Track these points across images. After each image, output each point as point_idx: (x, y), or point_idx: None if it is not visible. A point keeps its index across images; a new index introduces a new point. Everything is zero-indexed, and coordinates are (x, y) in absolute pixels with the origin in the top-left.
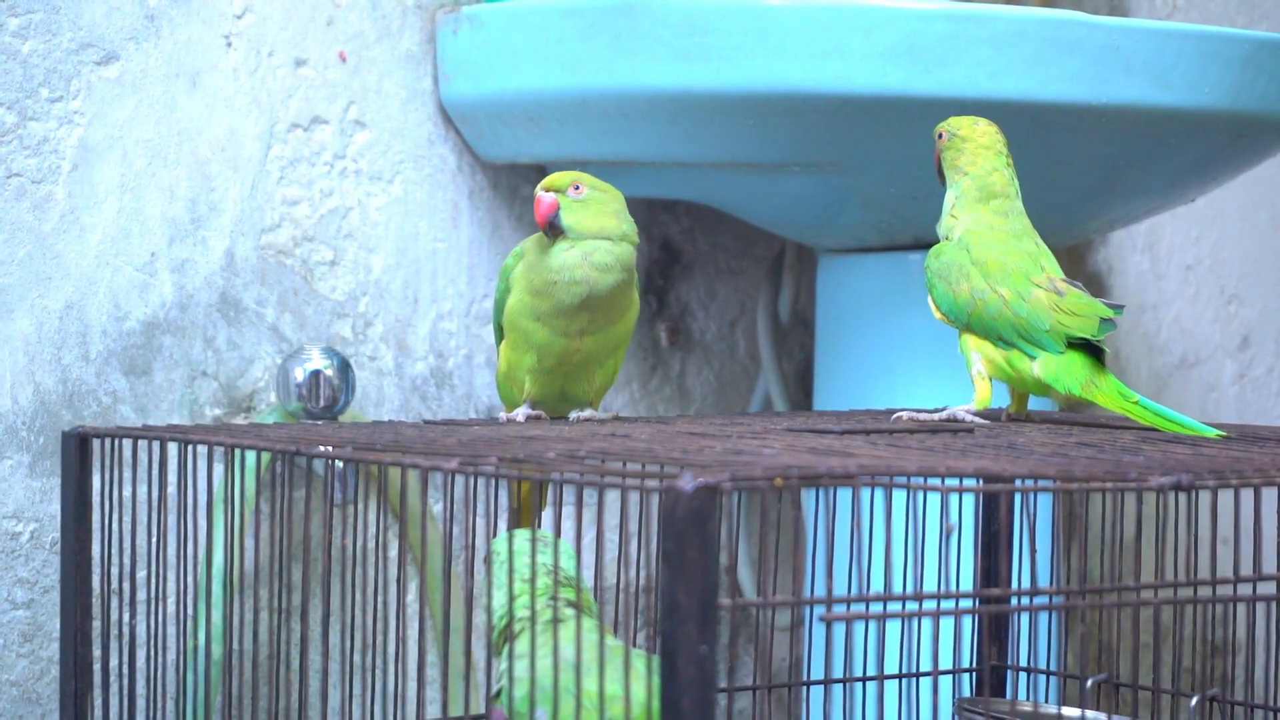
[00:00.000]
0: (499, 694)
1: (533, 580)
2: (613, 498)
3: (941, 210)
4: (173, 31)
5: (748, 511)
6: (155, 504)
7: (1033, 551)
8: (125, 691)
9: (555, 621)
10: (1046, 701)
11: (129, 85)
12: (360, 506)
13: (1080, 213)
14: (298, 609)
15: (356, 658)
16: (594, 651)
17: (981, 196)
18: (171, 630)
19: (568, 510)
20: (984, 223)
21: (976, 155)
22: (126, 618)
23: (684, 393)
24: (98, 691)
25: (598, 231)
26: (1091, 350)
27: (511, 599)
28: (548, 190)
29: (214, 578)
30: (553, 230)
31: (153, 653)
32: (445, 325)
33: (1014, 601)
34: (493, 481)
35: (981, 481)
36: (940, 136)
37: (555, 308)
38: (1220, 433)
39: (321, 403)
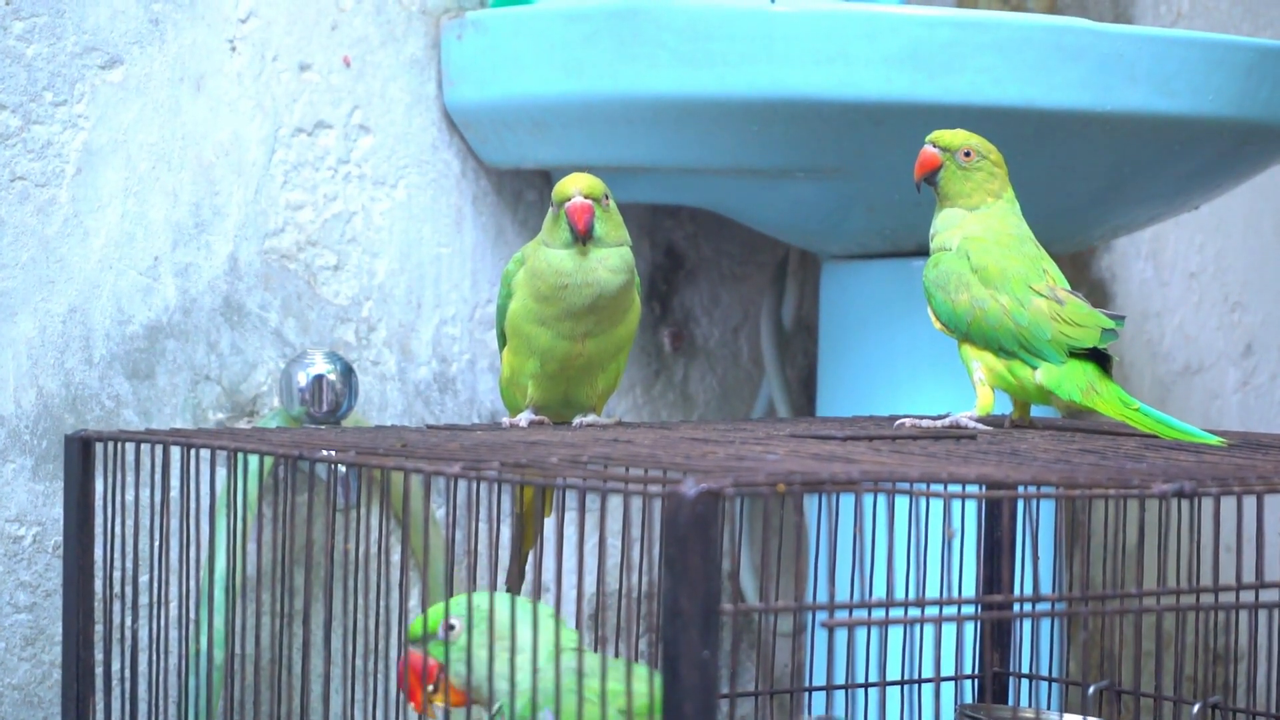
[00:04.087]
0: (498, 711)
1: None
2: (615, 503)
3: (943, 223)
4: (177, 35)
5: (750, 517)
6: (158, 508)
7: (1035, 558)
8: (127, 695)
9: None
10: (1048, 708)
11: (133, 89)
12: (363, 511)
13: (1084, 219)
14: (300, 613)
15: (358, 662)
16: (595, 660)
17: (1003, 216)
18: (173, 634)
19: (570, 516)
20: (990, 228)
21: (1006, 182)
22: (129, 621)
23: (687, 398)
24: (99, 695)
25: (617, 241)
26: (1095, 356)
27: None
28: (586, 197)
29: (216, 582)
30: (588, 238)
31: (154, 657)
32: (448, 330)
33: (1016, 608)
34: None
35: (984, 488)
36: (968, 154)
37: (563, 311)
38: (1221, 440)
39: (324, 407)
